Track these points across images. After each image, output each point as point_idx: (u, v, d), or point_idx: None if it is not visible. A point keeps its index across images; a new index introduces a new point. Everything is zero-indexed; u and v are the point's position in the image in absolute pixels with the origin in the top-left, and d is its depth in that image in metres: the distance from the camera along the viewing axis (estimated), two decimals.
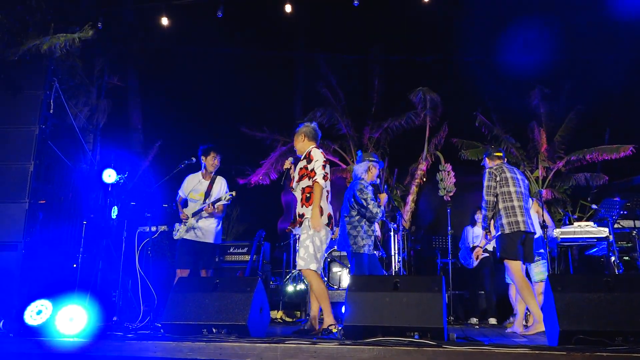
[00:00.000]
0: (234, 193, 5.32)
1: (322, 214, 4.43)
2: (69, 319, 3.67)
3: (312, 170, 4.50)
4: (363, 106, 11.90)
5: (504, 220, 4.87)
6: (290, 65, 13.53)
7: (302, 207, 4.55)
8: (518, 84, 10.95)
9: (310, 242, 4.39)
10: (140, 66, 10.83)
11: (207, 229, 5.50)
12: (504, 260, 4.90)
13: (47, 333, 3.63)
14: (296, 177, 4.67)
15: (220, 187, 5.61)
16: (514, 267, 4.84)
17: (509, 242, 4.86)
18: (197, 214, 5.42)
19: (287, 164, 4.86)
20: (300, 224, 4.52)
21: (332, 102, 11.54)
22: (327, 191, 4.60)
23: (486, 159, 5.35)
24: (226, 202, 5.34)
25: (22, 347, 3.44)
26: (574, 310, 3.18)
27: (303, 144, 4.79)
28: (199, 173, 5.67)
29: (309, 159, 4.59)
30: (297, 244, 8.42)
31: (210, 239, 5.52)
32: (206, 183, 5.60)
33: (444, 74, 11.52)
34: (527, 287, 4.78)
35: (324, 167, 4.50)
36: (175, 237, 5.44)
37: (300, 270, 4.48)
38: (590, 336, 3.05)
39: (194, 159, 5.47)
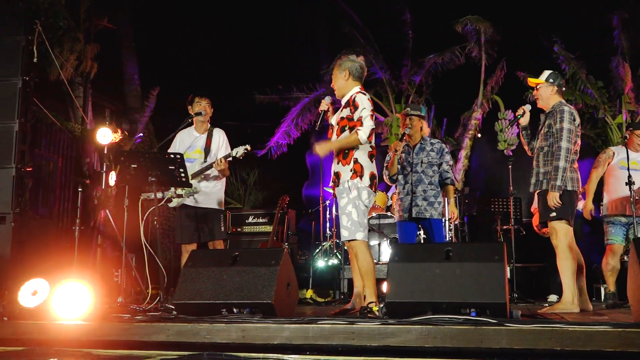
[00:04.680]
0: (248, 147, 5.31)
1: (362, 175, 4.42)
2: (68, 300, 3.81)
3: (359, 119, 4.36)
4: (398, 45, 11.70)
5: (569, 175, 4.78)
6: (305, 8, 13.31)
7: (337, 164, 4.49)
8: (594, 9, 10.60)
9: (353, 208, 4.35)
10: (133, 5, 10.84)
11: (211, 191, 5.53)
12: (553, 222, 4.79)
13: (45, 316, 3.79)
14: (335, 128, 4.57)
15: (220, 140, 5.62)
16: (567, 231, 4.79)
17: (571, 202, 4.81)
18: (198, 174, 5.44)
19: (325, 104, 4.66)
20: (335, 183, 4.53)
21: (362, 42, 11.37)
22: (373, 147, 4.53)
23: (549, 85, 5.00)
24: (231, 158, 5.36)
25: (18, 331, 3.61)
26: None
27: (346, 84, 4.57)
28: (192, 128, 5.70)
29: (354, 106, 4.43)
30: (327, 212, 8.53)
31: (216, 204, 5.58)
32: (203, 138, 5.62)
33: None
34: (574, 258, 4.77)
35: (372, 116, 4.39)
36: (172, 205, 5.49)
37: (345, 242, 4.49)
38: None
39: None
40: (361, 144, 4.37)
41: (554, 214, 4.77)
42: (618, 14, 10.31)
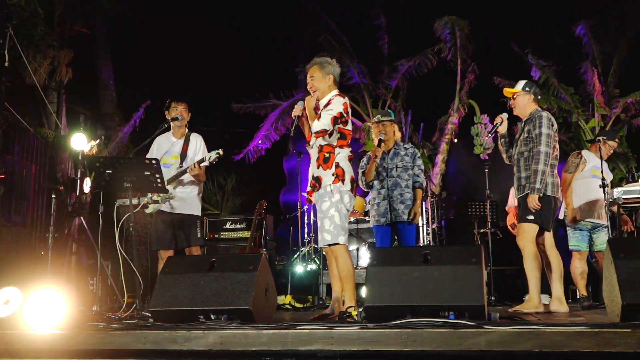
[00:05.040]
0: (221, 152, 5.24)
1: (343, 179, 4.42)
2: (42, 308, 3.73)
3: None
4: (374, 50, 11.79)
5: (549, 180, 4.87)
6: (283, 18, 13.35)
7: (318, 168, 4.48)
8: (563, 18, 10.84)
9: (336, 211, 4.35)
10: (109, 10, 10.72)
11: (187, 197, 5.47)
12: (525, 224, 4.87)
13: (17, 325, 3.71)
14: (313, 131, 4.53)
15: (197, 145, 5.56)
16: (534, 233, 4.88)
17: (550, 208, 4.90)
18: (174, 179, 5.38)
19: (298, 109, 4.56)
20: (314, 188, 4.51)
21: (337, 48, 11.43)
22: (352, 151, 4.57)
23: (526, 94, 5.08)
24: (209, 163, 5.30)
25: None
26: (639, 281, 3.19)
27: (329, 87, 4.58)
28: (169, 133, 5.65)
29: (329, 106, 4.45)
30: (305, 218, 8.50)
31: (193, 210, 5.52)
32: (180, 143, 5.56)
33: (470, 5, 11.28)
34: (538, 258, 4.88)
35: (336, 119, 4.37)
36: (149, 211, 5.41)
37: (326, 246, 4.45)
38: None
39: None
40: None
41: (531, 216, 4.83)
42: (586, 22, 10.55)
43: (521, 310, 4.84)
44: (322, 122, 4.37)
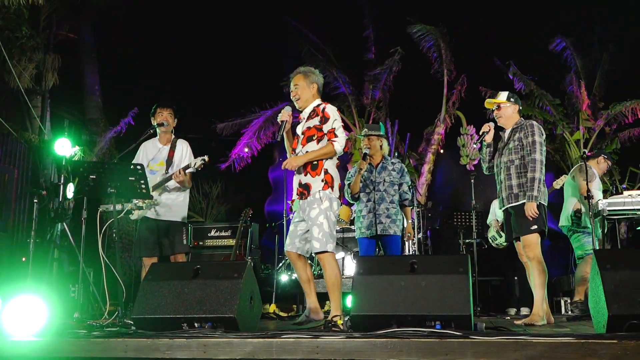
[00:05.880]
0: (206, 158, 5.21)
1: (332, 186, 4.40)
2: (22, 315, 3.67)
3: (331, 131, 4.38)
4: (360, 60, 11.87)
5: (543, 189, 4.90)
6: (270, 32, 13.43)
7: (305, 176, 4.43)
8: (547, 32, 10.98)
9: (325, 219, 4.31)
10: (96, 16, 10.67)
11: (173, 204, 5.42)
12: (529, 235, 4.84)
13: None
14: (300, 138, 4.53)
15: (183, 152, 5.51)
16: (539, 241, 4.87)
17: (546, 216, 4.91)
18: (159, 186, 5.33)
19: (285, 114, 4.56)
20: (302, 195, 4.47)
21: (321, 59, 11.48)
22: (338, 159, 4.57)
23: (512, 104, 5.12)
24: (194, 170, 5.25)
25: None
26: (625, 292, 3.19)
27: (313, 96, 4.59)
28: (155, 139, 5.60)
29: (323, 116, 4.43)
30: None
31: (178, 217, 5.46)
32: (166, 149, 5.52)
33: (457, 15, 11.39)
34: (545, 269, 4.86)
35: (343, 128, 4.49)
36: (133, 218, 5.35)
37: (315, 254, 4.42)
38: None
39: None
40: (336, 154, 4.42)
41: (534, 226, 4.79)
42: (567, 36, 10.71)
43: (532, 322, 4.75)
44: (341, 136, 4.42)
